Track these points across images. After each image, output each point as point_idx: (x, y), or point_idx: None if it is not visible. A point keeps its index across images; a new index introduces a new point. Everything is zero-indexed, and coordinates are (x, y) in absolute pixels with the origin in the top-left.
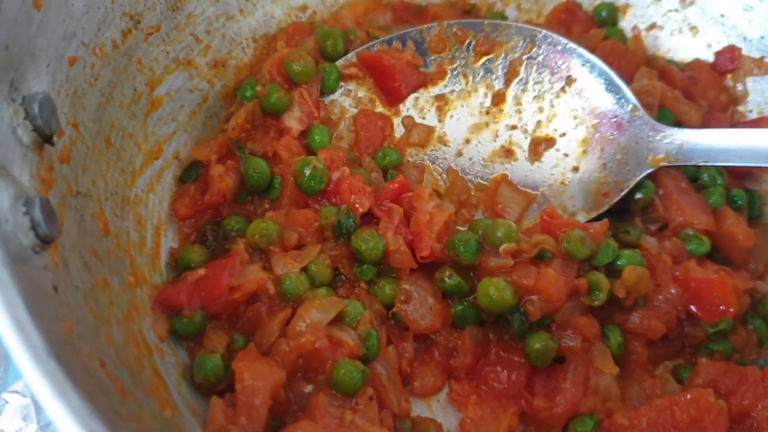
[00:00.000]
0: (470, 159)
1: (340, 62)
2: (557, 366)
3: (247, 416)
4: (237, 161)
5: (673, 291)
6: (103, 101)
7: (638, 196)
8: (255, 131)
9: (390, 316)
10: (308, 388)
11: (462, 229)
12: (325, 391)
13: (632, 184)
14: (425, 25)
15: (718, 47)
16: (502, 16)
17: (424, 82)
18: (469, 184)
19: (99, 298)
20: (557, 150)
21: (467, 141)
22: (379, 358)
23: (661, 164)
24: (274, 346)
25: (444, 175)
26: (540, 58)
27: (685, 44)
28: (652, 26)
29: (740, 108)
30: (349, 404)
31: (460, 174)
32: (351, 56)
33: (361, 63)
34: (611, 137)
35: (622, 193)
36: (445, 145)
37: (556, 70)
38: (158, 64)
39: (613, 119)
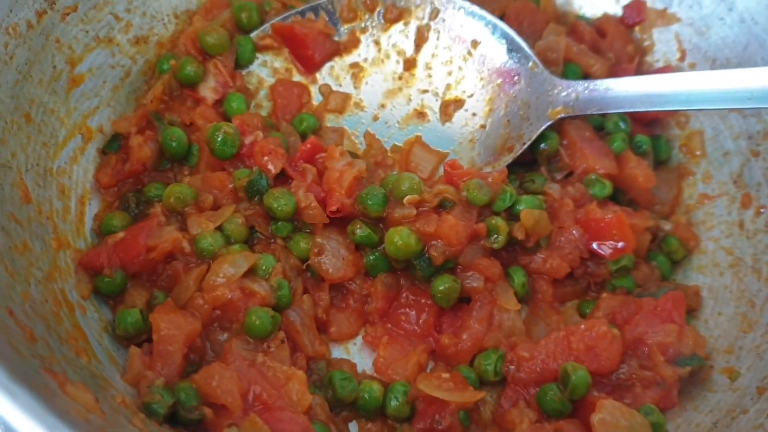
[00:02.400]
0: (386, 122)
1: (255, 34)
2: (464, 306)
3: (163, 362)
4: (156, 131)
5: (575, 232)
6: (20, 78)
7: (543, 146)
8: (173, 102)
9: (306, 268)
10: (223, 337)
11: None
12: (238, 337)
13: (533, 136)
14: None
15: (625, 1)
16: None
17: (338, 51)
18: (385, 146)
19: (17, 260)
20: (466, 110)
21: (382, 106)
22: (294, 306)
23: (560, 116)
24: (190, 300)
25: (361, 139)
26: (446, 23)
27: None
28: None
29: (648, 58)
30: (261, 348)
31: (376, 137)
32: (266, 27)
33: (276, 33)
34: (514, 94)
35: (525, 146)
36: (362, 110)
37: (461, 34)
38: (78, 43)
39: (515, 77)
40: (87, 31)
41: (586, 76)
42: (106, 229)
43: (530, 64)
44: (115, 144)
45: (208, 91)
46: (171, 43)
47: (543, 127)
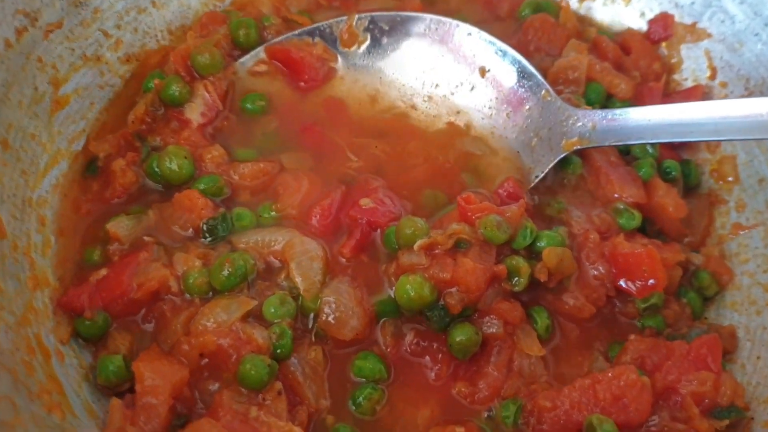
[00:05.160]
0: None
1: (248, 58)
2: (480, 350)
3: (146, 416)
4: (139, 154)
5: (601, 268)
6: None
7: (565, 171)
8: (156, 124)
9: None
10: (215, 386)
11: None
12: (231, 387)
13: (546, 169)
14: (335, 19)
15: (651, 15)
16: None
17: (335, 76)
18: None
19: None
20: (473, 139)
21: None
22: (296, 354)
23: (575, 147)
24: (176, 345)
25: None
26: (453, 48)
27: (619, 14)
28: None
29: (675, 76)
30: (255, 400)
31: None
32: (259, 51)
33: (270, 57)
34: (525, 125)
35: (537, 179)
36: None
37: (469, 60)
38: (62, 62)
39: (527, 107)
40: (73, 50)
41: (610, 96)
42: (87, 263)
43: (542, 92)
44: (94, 167)
45: (194, 113)
46: (161, 60)
47: (556, 160)
